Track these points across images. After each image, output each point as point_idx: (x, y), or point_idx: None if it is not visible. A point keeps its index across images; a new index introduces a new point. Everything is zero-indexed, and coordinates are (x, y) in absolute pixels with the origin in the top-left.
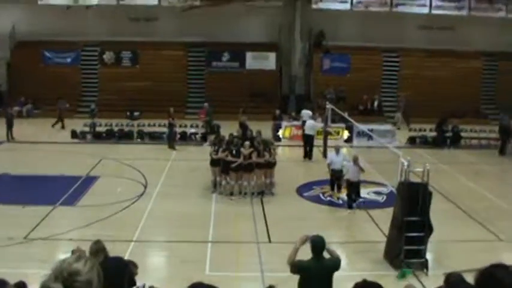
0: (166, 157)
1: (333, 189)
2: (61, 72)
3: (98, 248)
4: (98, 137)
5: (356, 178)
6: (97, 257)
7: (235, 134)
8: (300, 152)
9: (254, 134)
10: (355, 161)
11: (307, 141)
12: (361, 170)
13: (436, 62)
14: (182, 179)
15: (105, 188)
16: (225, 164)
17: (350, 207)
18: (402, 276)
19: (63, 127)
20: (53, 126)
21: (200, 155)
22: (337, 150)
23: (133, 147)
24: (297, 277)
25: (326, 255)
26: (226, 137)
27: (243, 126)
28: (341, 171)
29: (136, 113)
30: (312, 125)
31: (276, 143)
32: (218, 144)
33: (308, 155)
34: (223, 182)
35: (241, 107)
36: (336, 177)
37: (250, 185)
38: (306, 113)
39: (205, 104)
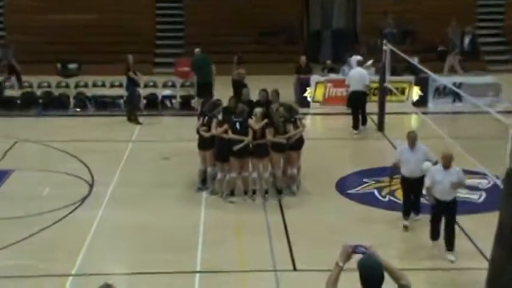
0: (124, 136)
1: (407, 213)
2: None
3: None
4: (7, 106)
5: (449, 196)
6: None
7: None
8: (341, 122)
9: (269, 96)
10: (448, 162)
11: (356, 102)
12: (459, 183)
13: None
14: (151, 171)
15: (23, 189)
16: (222, 146)
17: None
18: None
19: (20, 85)
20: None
21: (180, 131)
22: (413, 140)
23: (69, 122)
24: None
25: (388, 284)
26: (225, 102)
27: (239, 85)
28: (419, 180)
29: (72, 66)
30: (360, 75)
31: (302, 110)
32: (210, 112)
33: (356, 123)
34: (219, 175)
35: (236, 53)
36: (409, 189)
37: (262, 178)
38: (354, 60)
39: (197, 50)
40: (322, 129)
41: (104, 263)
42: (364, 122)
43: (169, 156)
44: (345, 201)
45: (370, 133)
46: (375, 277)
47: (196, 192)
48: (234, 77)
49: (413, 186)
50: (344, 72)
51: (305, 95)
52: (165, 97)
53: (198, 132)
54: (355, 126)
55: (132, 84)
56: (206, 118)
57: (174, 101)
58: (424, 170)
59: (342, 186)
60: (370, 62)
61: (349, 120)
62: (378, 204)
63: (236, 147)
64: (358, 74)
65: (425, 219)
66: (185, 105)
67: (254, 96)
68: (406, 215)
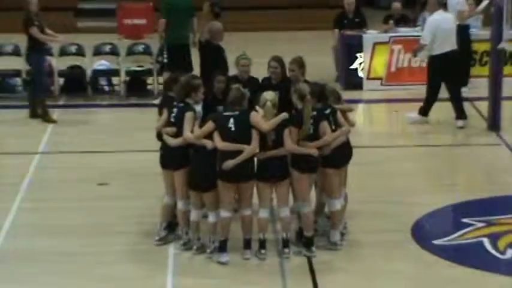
0: (25, 144)
1: None
2: None
3: None
4: None
5: None
6: None
7: (243, 72)
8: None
9: (287, 70)
10: None
11: (446, 73)
12: None
13: None
14: (75, 207)
15: None
16: (203, 162)
17: None
18: None
19: None
20: None
21: (127, 135)
22: None
23: None
24: None
25: None
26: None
27: (211, 52)
28: None
29: None
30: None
31: (348, 95)
32: (182, 101)
33: (428, 107)
34: (194, 214)
35: None
36: None
37: (279, 219)
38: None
39: None
40: (386, 129)
41: None
42: (461, 113)
43: (108, 180)
44: (428, 258)
45: (474, 134)
46: None
47: (158, 246)
48: (204, 37)
49: None
50: (424, 22)
51: (354, 66)
52: (98, 74)
53: (159, 136)
54: (424, 111)
55: (39, 50)
56: (175, 111)
57: (115, 80)
58: None
59: (424, 231)
60: (483, 3)
61: (435, 111)
62: (492, 265)
63: (228, 164)
64: (450, 21)
65: None
66: (136, 87)
67: (259, 70)
68: None
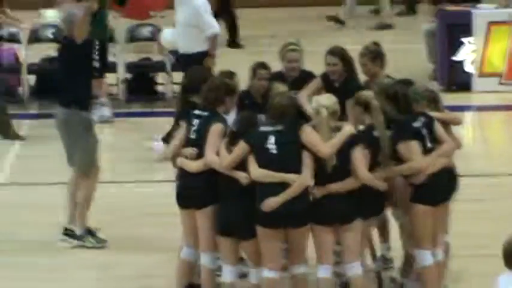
0: None
1: None
2: None
3: None
4: None
5: None
6: None
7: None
8: None
9: (363, 59)
10: None
11: None
12: None
13: None
14: (57, 264)
15: None
16: (233, 198)
17: None
18: None
19: None
20: None
21: (127, 156)
22: None
23: None
24: None
25: None
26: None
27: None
28: None
29: None
30: None
31: (452, 99)
32: (211, 105)
33: None
34: (226, 272)
35: None
36: None
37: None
38: None
39: None
40: (507, 149)
41: None
42: None
43: (97, 223)
44: None
45: None
46: None
47: None
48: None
49: None
50: None
51: (458, 57)
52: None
53: (175, 162)
54: None
55: None
56: (196, 123)
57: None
58: None
59: None
60: None
61: None
62: None
63: (270, 203)
64: None
65: None
66: (141, 88)
67: (313, 63)
68: None
